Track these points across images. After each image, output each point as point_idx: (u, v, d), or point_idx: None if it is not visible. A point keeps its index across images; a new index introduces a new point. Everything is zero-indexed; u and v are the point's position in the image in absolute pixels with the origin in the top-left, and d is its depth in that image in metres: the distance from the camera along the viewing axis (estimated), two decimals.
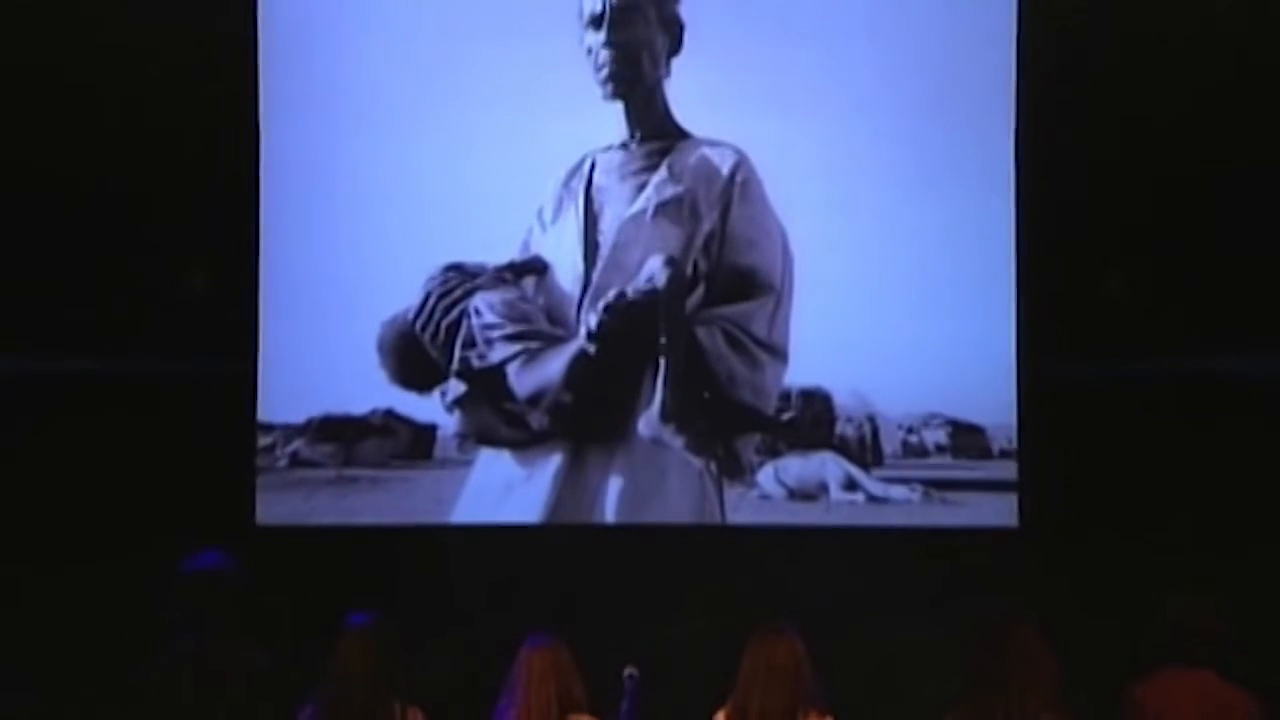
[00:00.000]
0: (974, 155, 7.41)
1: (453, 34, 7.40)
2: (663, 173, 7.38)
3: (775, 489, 7.39)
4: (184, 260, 7.49)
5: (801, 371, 7.37)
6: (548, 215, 7.42)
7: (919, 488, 7.39)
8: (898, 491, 7.40)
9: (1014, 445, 7.36)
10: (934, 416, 7.42)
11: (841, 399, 7.41)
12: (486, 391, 7.38)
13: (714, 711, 5.84)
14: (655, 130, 7.39)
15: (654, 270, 7.32)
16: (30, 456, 7.30)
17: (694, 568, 7.30)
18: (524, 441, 7.38)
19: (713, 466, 7.34)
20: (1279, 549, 7.07)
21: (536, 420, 7.36)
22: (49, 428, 7.35)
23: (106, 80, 7.23)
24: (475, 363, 7.39)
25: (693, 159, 7.39)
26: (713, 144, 7.40)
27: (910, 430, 7.41)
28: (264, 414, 7.44)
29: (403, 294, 7.41)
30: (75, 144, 7.31)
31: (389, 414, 7.45)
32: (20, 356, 7.38)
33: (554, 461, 7.36)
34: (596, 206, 7.40)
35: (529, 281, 7.43)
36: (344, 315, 7.39)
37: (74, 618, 7.08)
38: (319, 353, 7.42)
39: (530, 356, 7.38)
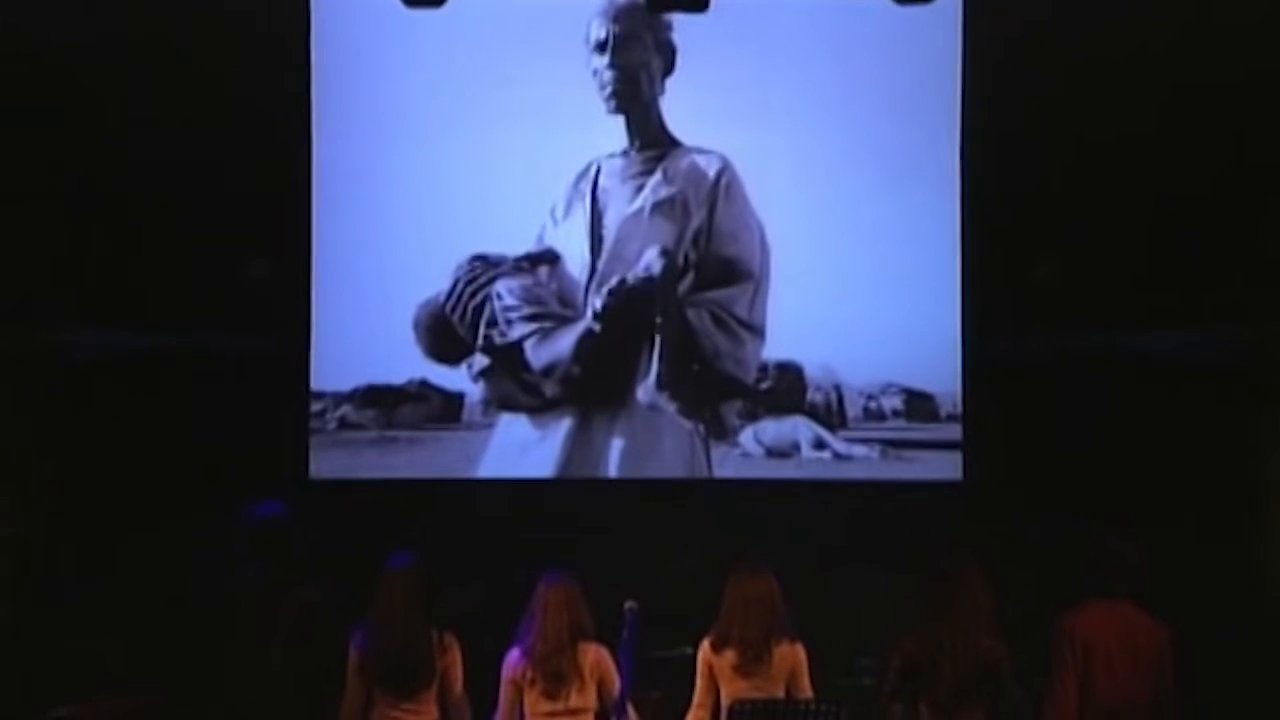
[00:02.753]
0: (926, 159, 7.57)
1: (478, 57, 7.55)
2: (658, 176, 7.49)
3: (755, 448, 7.50)
4: (247, 252, 7.52)
5: (777, 347, 7.50)
6: (559, 213, 7.54)
7: (878, 447, 7.52)
8: (859, 450, 7.52)
9: (959, 410, 7.52)
10: (891, 385, 7.53)
11: (811, 371, 7.54)
12: (507, 364, 7.51)
13: (700, 639, 5.90)
14: (652, 140, 7.52)
15: (651, 260, 7.44)
16: (121, 419, 7.33)
17: (685, 515, 7.43)
18: (539, 407, 7.52)
19: (701, 428, 7.46)
20: (1187, 499, 7.11)
21: (549, 389, 7.48)
22: (135, 395, 7.38)
23: (192, 107, 7.25)
24: (497, 340, 7.51)
25: (684, 164, 7.51)
26: (701, 151, 7.54)
27: (870, 397, 7.53)
28: (316, 383, 7.57)
29: (435, 280, 7.55)
30: (156, 157, 7.35)
31: (423, 383, 7.56)
32: (110, 333, 7.42)
33: (564, 425, 7.49)
34: (601, 205, 7.51)
35: (543, 270, 7.54)
36: (384, 299, 7.54)
37: (157, 557, 7.12)
38: (363, 331, 7.55)
39: (544, 334, 7.48)
